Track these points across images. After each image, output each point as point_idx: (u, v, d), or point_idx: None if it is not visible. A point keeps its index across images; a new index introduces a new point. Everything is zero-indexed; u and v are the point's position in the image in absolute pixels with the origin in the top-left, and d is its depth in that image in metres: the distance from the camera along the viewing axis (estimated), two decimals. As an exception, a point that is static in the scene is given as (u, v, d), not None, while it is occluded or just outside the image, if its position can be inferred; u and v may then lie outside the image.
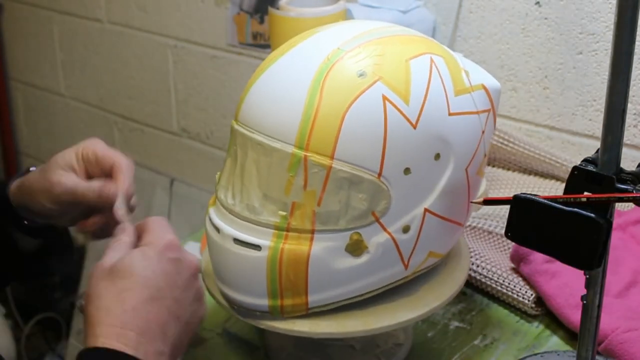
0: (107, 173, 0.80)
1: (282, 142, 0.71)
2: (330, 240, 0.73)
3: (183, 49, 1.71)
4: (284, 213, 0.72)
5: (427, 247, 0.77)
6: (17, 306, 2.08)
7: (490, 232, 1.06)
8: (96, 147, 0.80)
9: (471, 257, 0.98)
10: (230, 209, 0.75)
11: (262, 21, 1.52)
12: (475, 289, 0.99)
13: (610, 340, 0.84)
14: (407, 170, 0.72)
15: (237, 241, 0.74)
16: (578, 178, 0.65)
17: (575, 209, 0.64)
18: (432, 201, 0.75)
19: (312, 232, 0.72)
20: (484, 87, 0.79)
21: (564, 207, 0.64)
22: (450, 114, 0.74)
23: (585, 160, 0.66)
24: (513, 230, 0.68)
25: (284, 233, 0.73)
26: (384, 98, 0.71)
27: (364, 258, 0.74)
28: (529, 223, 0.67)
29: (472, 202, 0.74)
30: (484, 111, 0.78)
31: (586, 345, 0.72)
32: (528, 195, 0.66)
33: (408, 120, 0.72)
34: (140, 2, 1.75)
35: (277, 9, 1.11)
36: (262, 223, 0.73)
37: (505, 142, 1.18)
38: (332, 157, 0.70)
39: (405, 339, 0.89)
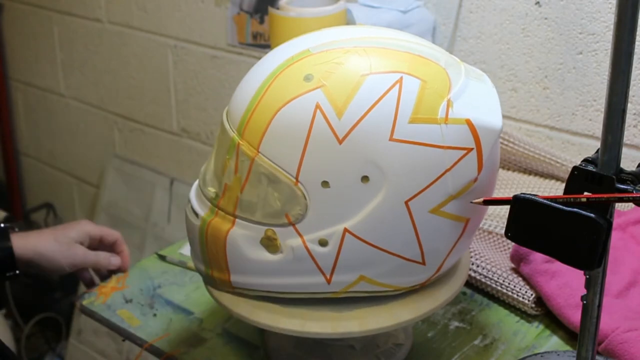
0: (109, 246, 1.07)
1: (230, 125, 0.76)
2: (247, 229, 0.75)
3: (183, 49, 1.71)
4: (214, 190, 0.78)
5: (355, 270, 0.75)
6: (17, 306, 2.08)
7: (490, 232, 1.06)
8: (102, 230, 1.06)
9: (471, 257, 0.98)
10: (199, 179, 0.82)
11: (262, 21, 1.52)
12: (475, 289, 0.99)
13: (610, 340, 0.84)
14: (325, 184, 0.71)
15: (191, 208, 0.80)
16: (578, 178, 0.65)
17: (575, 209, 0.64)
18: (355, 223, 0.72)
19: (234, 216, 0.76)
20: (469, 123, 0.72)
21: (564, 207, 0.64)
22: (392, 140, 0.70)
23: (585, 160, 0.66)
24: (513, 230, 0.68)
25: (216, 209, 0.77)
26: (317, 106, 0.71)
27: (278, 257, 0.75)
28: (529, 223, 0.67)
29: (472, 202, 0.74)
30: (456, 148, 0.72)
31: (586, 345, 0.72)
32: (528, 195, 0.66)
33: (335, 134, 0.70)
34: (140, 2, 1.75)
35: (277, 9, 1.11)
36: (205, 194, 0.79)
37: (505, 142, 1.18)
38: (257, 150, 0.73)
39: (405, 339, 0.89)
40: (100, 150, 2.03)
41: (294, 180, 0.72)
